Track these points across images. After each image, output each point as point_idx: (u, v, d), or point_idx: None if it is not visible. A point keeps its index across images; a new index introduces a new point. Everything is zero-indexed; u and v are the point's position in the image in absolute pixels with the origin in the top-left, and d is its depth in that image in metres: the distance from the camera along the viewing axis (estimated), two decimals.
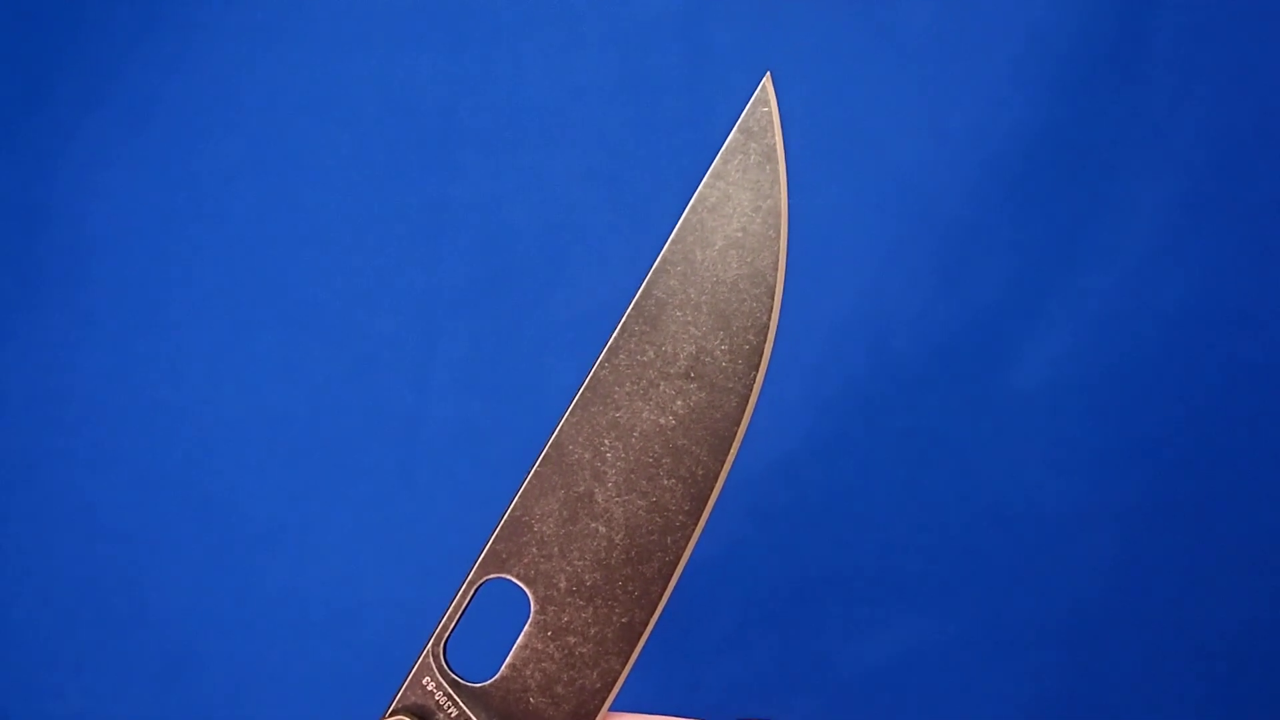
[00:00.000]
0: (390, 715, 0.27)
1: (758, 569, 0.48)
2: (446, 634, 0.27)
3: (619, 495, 0.27)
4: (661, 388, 0.26)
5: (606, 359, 0.27)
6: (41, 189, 0.53)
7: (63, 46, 0.54)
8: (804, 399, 0.48)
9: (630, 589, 0.26)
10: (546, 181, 0.51)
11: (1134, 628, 0.48)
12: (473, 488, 0.49)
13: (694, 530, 0.26)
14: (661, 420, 0.26)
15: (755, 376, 0.26)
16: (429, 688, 0.27)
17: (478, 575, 0.27)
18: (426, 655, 0.27)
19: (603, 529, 0.27)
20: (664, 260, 0.27)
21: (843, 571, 0.48)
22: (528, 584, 0.27)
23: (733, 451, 0.26)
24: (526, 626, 0.27)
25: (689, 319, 0.26)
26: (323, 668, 0.47)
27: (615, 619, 0.26)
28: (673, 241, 0.27)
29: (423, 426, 0.50)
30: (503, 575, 0.27)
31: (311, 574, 0.48)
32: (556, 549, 0.27)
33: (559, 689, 0.27)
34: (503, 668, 0.27)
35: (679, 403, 0.26)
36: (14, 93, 0.53)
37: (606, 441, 0.27)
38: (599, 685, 0.27)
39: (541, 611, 0.27)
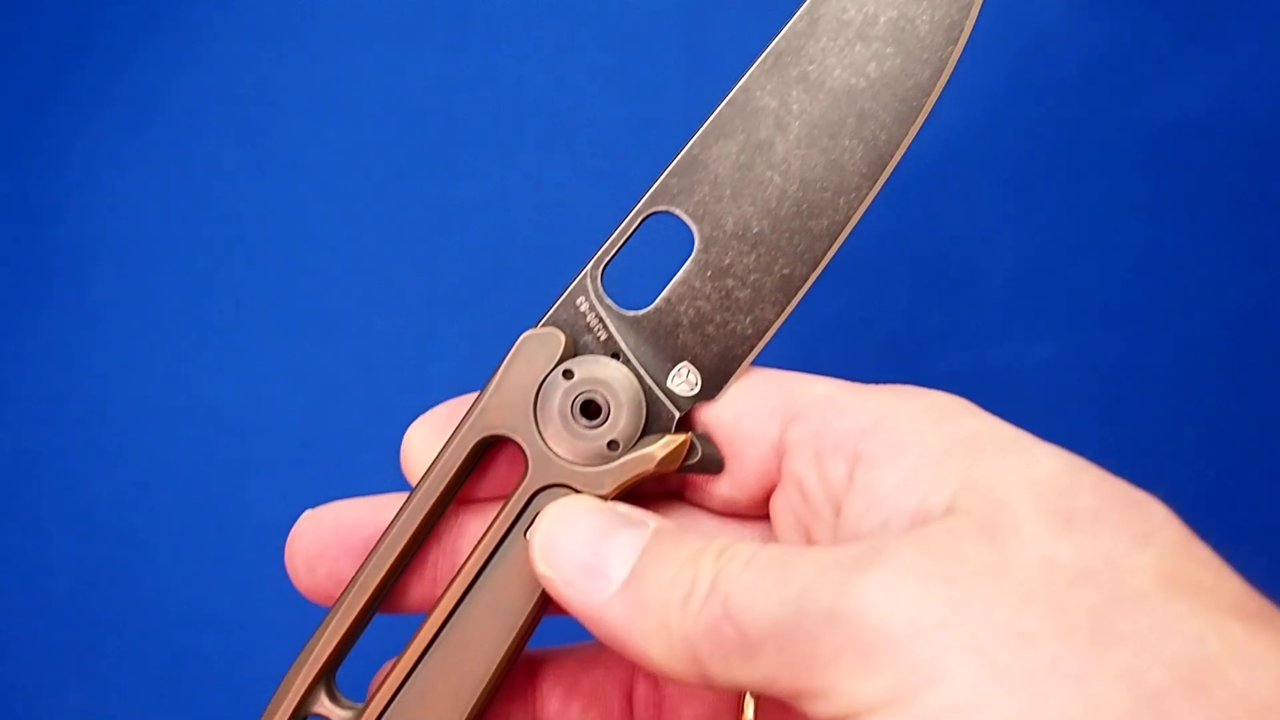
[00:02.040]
0: (542, 326, 0.27)
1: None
2: (607, 259, 0.27)
3: (799, 148, 0.26)
4: (858, 48, 0.26)
5: (807, 12, 0.26)
6: (44, 189, 0.53)
7: (67, 47, 0.54)
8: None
9: (796, 242, 0.26)
10: (546, 181, 0.51)
11: None
12: None
13: (868, 195, 0.26)
14: (853, 81, 0.26)
15: (952, 52, 0.26)
16: (582, 308, 0.27)
17: (646, 206, 0.27)
18: (584, 277, 0.27)
19: (778, 179, 0.27)
20: None
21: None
22: (695, 221, 0.27)
23: (918, 122, 0.26)
24: (687, 264, 0.27)
25: None
26: None
27: (777, 269, 0.26)
28: None
29: None
30: (671, 209, 0.27)
31: None
32: (729, 191, 0.27)
33: (710, 329, 0.27)
34: (657, 300, 0.27)
35: (873, 66, 0.26)
36: (19, 93, 0.53)
37: (794, 93, 0.26)
38: (750, 332, 0.27)
39: (704, 251, 0.27)
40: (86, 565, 0.48)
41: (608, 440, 0.26)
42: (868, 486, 0.23)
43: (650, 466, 0.26)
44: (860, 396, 0.25)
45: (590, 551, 0.24)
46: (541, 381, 0.27)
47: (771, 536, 0.26)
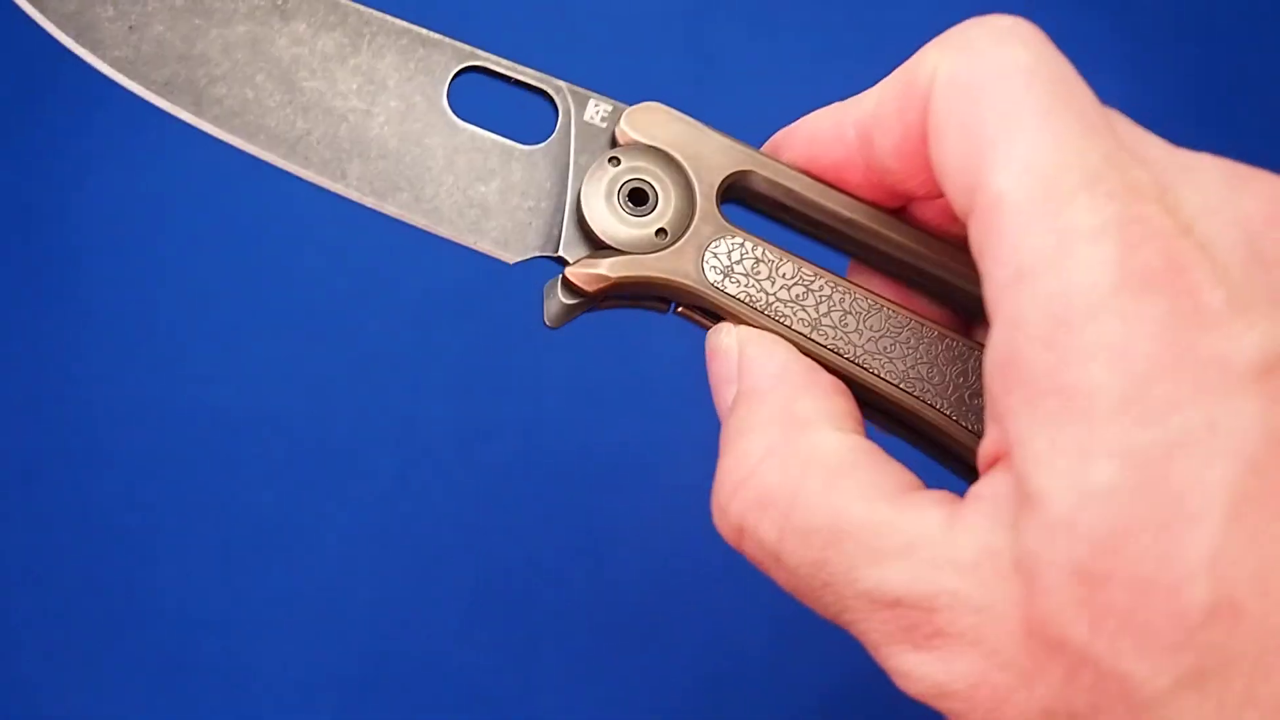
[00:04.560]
0: None
1: None
2: None
3: None
4: None
5: None
6: (43, 189, 0.53)
7: (63, 47, 0.54)
8: None
9: None
10: None
11: None
12: (472, 488, 0.49)
13: None
14: None
15: None
16: None
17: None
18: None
19: None
20: None
21: None
22: None
23: None
24: None
25: None
26: (322, 669, 0.47)
27: None
28: None
29: (422, 426, 0.50)
30: None
31: (312, 575, 0.48)
32: None
33: None
34: None
35: None
36: (18, 92, 0.53)
37: None
38: None
39: None
40: (86, 565, 0.48)
41: None
42: (985, 365, 0.20)
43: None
44: (1027, 214, 0.19)
45: (720, 397, 0.25)
46: None
47: None
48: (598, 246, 0.26)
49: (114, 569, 0.48)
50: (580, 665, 0.47)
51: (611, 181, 0.26)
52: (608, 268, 0.25)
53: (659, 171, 0.26)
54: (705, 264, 0.25)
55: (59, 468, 0.49)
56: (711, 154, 0.26)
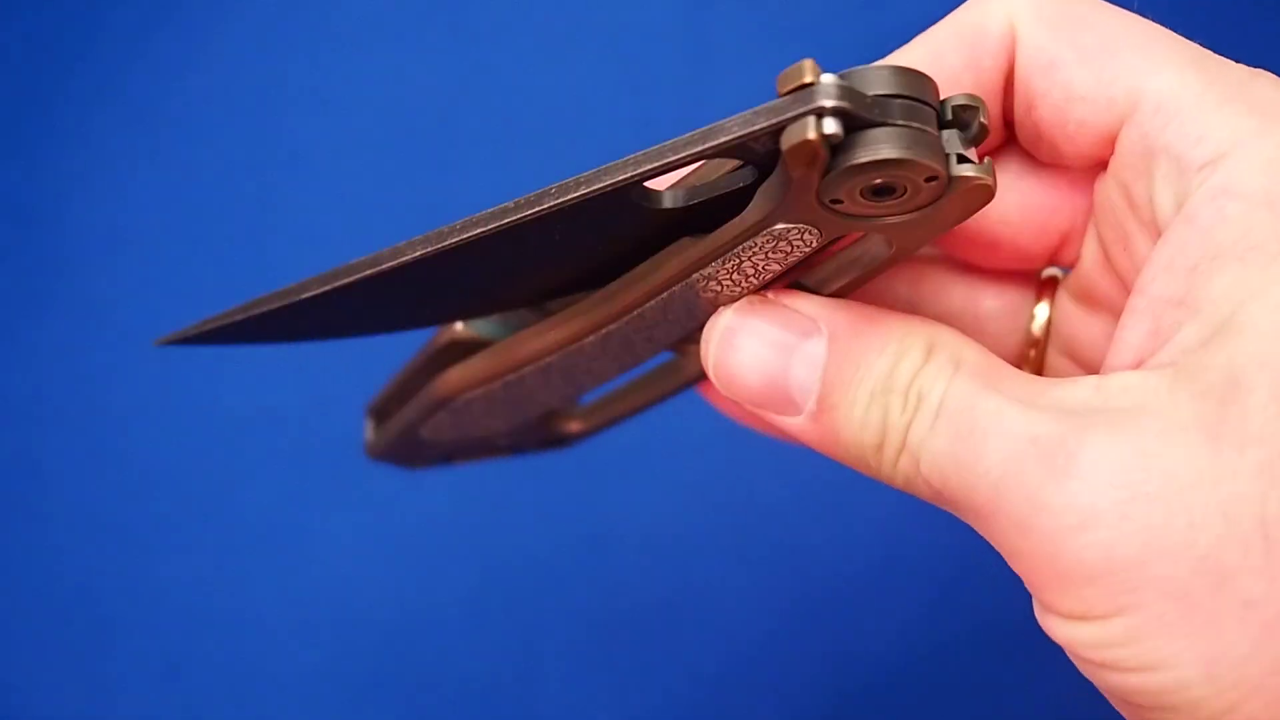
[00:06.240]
0: None
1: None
2: None
3: None
4: None
5: None
6: (45, 189, 0.53)
7: (69, 47, 0.54)
8: None
9: None
10: (546, 181, 0.51)
11: None
12: (472, 487, 0.49)
13: None
14: None
15: None
16: None
17: None
18: None
19: None
20: None
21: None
22: None
23: None
24: None
25: None
26: (322, 668, 0.47)
27: None
28: None
29: None
30: None
31: (311, 574, 0.48)
32: None
33: None
34: None
35: None
36: (20, 93, 0.53)
37: None
38: None
39: None
40: (86, 565, 0.48)
41: None
42: (1180, 247, 0.20)
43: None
44: (1210, 103, 0.20)
45: (768, 383, 0.22)
46: None
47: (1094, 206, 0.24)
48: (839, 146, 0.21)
49: (115, 568, 0.48)
50: (582, 664, 0.47)
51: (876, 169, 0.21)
52: (809, 146, 0.20)
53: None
54: (773, 223, 0.22)
55: (60, 467, 0.49)
56: None
